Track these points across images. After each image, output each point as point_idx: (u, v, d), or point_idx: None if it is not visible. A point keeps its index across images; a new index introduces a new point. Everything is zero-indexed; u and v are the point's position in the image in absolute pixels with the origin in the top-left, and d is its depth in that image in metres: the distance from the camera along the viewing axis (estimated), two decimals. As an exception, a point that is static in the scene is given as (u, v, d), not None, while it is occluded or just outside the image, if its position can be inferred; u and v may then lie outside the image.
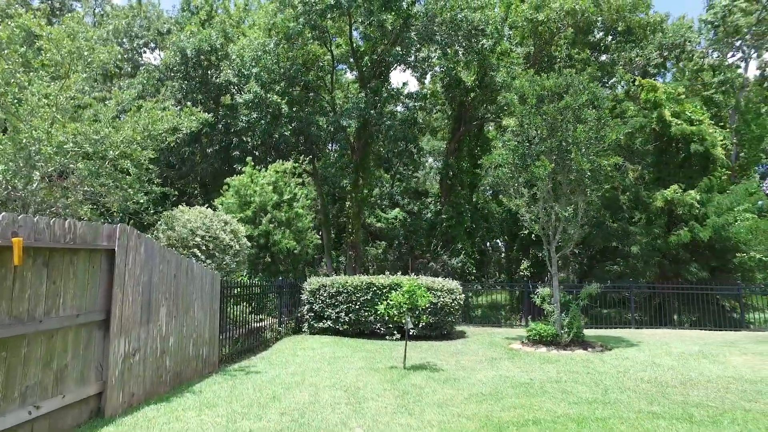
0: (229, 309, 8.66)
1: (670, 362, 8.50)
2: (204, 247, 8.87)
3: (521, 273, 27.82)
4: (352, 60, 23.27)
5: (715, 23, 24.34)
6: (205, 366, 7.43)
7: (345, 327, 11.35)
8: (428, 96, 21.87)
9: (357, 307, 11.31)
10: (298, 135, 20.82)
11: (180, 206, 9.64)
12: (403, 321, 8.02)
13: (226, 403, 5.76)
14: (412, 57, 17.54)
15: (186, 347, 6.84)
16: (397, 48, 17.36)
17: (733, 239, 20.26)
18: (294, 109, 20.06)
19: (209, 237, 9.02)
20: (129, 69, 22.83)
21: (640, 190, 20.69)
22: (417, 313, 8.29)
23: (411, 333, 11.01)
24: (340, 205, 27.98)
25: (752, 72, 28.73)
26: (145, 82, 20.23)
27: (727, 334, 12.87)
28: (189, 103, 14.62)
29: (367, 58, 20.21)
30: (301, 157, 16.09)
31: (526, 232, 23.65)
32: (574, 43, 20.81)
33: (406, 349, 8.22)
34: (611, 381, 7.09)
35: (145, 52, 24.63)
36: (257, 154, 20.64)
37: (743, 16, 25.76)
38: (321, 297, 11.56)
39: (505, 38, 17.85)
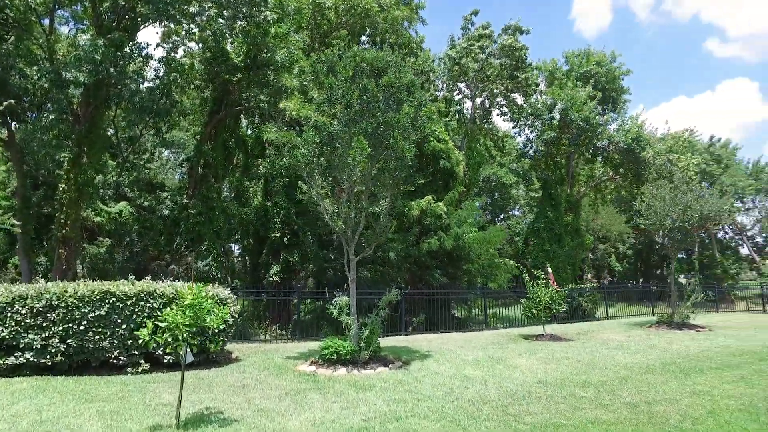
0: None
1: (477, 373, 7.99)
2: None
3: (270, 278, 26.11)
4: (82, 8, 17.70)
5: (456, 60, 27.76)
6: None
7: (59, 359, 7.45)
8: (186, 69, 18.19)
9: (83, 328, 7.57)
10: (-12, 81, 14.42)
11: None
12: (180, 353, 5.21)
13: None
14: (176, 9, 13.90)
15: None
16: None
17: (467, 248, 22.95)
18: (-20, 43, 13.77)
19: None
20: None
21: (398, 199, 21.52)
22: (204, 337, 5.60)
23: (167, 361, 7.98)
24: (45, 191, 21.20)
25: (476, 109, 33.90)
26: None
27: (475, 336, 13.68)
28: None
29: (108, 3, 15.43)
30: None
31: (278, 234, 22.30)
32: (348, 45, 20.45)
33: (181, 394, 5.35)
34: (451, 408, 5.93)
35: None
36: None
37: (472, 62, 30.25)
38: (17, 316, 7.34)
39: (288, 18, 16.03)
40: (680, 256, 63.94)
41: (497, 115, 35.39)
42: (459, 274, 24.82)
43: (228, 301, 8.60)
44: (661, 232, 15.11)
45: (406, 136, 8.16)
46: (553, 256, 29.75)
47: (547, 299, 12.14)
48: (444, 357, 9.51)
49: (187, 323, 4.86)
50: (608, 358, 9.34)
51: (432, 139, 22.03)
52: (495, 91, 33.00)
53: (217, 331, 7.16)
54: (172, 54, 17.18)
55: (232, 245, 30.38)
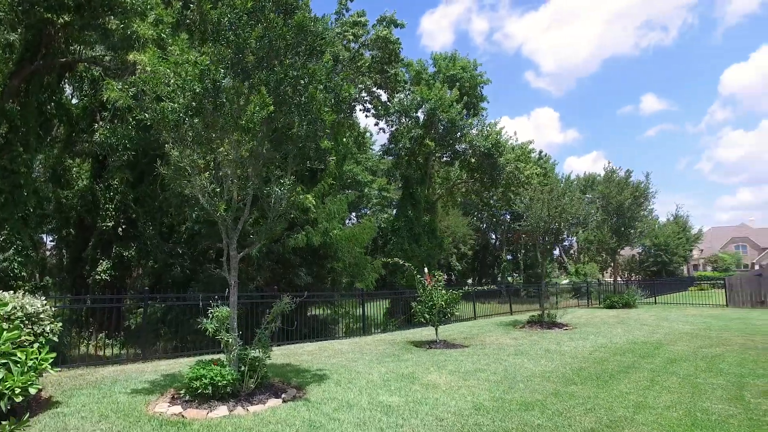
0: None
1: (397, 400, 6.44)
2: None
3: (97, 277, 21.42)
4: None
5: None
6: None
7: None
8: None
9: None
10: None
11: None
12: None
13: None
14: None
15: None
16: None
17: (335, 245, 21.41)
18: None
19: None
20: None
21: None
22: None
23: None
24: None
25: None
26: None
27: (358, 344, 12.27)
28: None
29: None
30: None
31: (110, 224, 18.25)
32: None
33: None
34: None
35: None
36: None
37: (344, 50, 28.80)
38: None
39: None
40: (508, 257, 71.19)
41: (360, 110, 34.61)
42: (324, 274, 23.21)
43: (41, 318, 5.70)
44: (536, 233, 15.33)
45: (324, 96, 6.27)
46: (412, 255, 29.79)
47: (442, 302, 11.19)
48: (343, 377, 7.80)
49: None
50: (519, 368, 8.60)
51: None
52: (360, 85, 32.10)
53: (21, 398, 4.34)
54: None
55: (45, 235, 24.33)
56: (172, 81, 6.18)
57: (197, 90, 5.89)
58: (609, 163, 54.27)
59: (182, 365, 8.76)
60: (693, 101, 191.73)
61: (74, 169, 20.56)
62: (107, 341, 15.03)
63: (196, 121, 6.36)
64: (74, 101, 20.54)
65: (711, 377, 8.13)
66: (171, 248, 18.22)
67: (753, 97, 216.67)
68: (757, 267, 65.88)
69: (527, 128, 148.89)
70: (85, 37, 13.27)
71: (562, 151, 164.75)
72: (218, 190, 6.47)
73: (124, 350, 13.26)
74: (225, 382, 6.09)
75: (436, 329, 11.65)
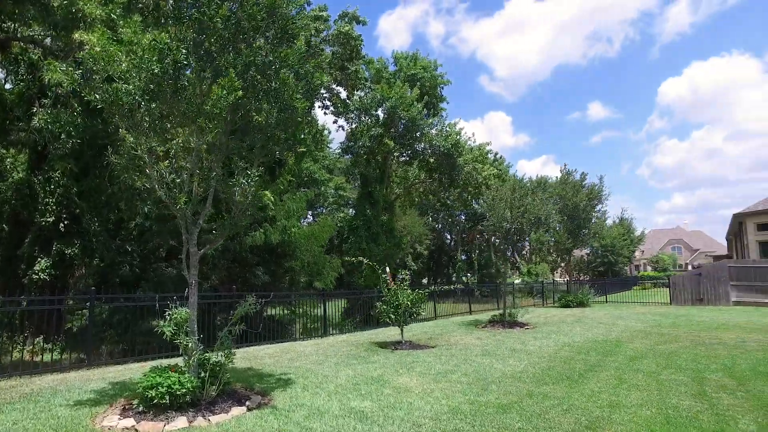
0: None
1: (369, 405, 6.13)
2: None
3: (35, 276, 19.82)
4: None
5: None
6: None
7: None
8: None
9: None
10: None
11: None
12: None
13: None
14: None
15: None
16: None
17: (293, 243, 20.85)
18: None
19: None
20: None
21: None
22: None
23: None
24: None
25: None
26: None
27: (320, 345, 11.91)
28: None
29: None
30: None
31: (50, 219, 16.94)
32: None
33: None
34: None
35: None
36: None
37: (305, 46, 28.17)
38: None
39: None
40: (463, 257, 72.10)
41: (318, 107, 34.06)
42: (281, 273, 22.57)
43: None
44: (499, 233, 15.39)
45: (297, 83, 5.86)
46: (370, 254, 29.51)
47: (408, 302, 10.96)
48: (310, 381, 7.40)
49: None
50: (489, 369, 8.49)
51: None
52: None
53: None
54: None
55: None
56: (125, 65, 5.61)
57: (155, 71, 5.35)
58: (565, 165, 55.74)
59: (133, 371, 8.11)
60: (635, 110, 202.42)
61: (8, 159, 18.94)
62: (45, 345, 13.89)
63: (153, 106, 5.80)
64: (8, 86, 18.96)
65: (672, 374, 8.28)
66: (119, 246, 17.12)
67: (685, 110, 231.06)
68: (690, 267, 69.97)
69: (481, 131, 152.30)
70: (21, 12, 12.10)
71: (515, 154, 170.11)
72: (178, 181, 5.93)
73: (66, 355, 12.25)
74: (184, 390, 5.57)
75: (402, 330, 11.40)
